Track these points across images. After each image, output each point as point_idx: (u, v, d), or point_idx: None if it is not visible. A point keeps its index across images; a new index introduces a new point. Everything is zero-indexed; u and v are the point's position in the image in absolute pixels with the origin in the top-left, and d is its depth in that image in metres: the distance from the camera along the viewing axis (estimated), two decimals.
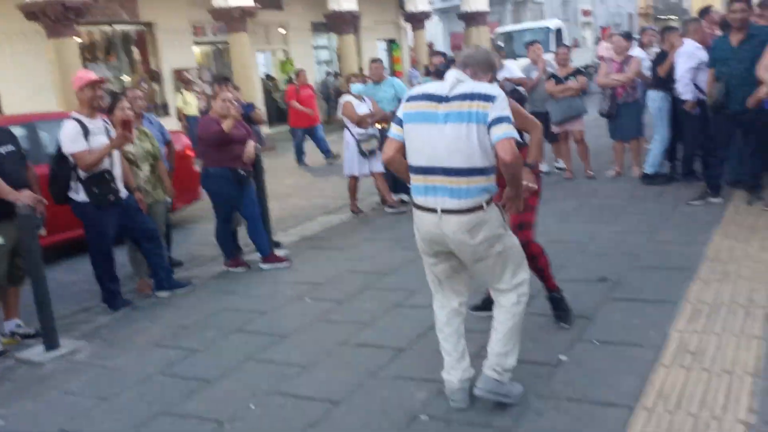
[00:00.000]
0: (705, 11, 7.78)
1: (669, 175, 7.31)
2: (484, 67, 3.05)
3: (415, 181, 2.99)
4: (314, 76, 19.87)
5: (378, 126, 7.34)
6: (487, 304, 3.70)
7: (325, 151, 12.19)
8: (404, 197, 7.28)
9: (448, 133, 2.83)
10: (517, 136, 2.87)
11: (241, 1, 14.38)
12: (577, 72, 7.90)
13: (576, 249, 5.20)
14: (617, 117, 7.59)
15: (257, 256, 5.89)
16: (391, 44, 24.49)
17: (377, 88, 7.67)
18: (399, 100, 7.52)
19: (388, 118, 7.40)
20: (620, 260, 4.86)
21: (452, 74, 2.96)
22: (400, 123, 3.04)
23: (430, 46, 23.92)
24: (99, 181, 4.84)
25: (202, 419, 3.31)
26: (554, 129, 7.89)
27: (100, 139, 4.87)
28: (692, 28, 6.82)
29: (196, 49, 17.15)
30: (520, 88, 7.36)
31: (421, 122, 2.92)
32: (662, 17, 45.12)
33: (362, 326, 4.23)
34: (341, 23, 17.59)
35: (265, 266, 5.82)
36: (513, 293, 3.03)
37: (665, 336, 3.56)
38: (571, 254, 5.03)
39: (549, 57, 8.85)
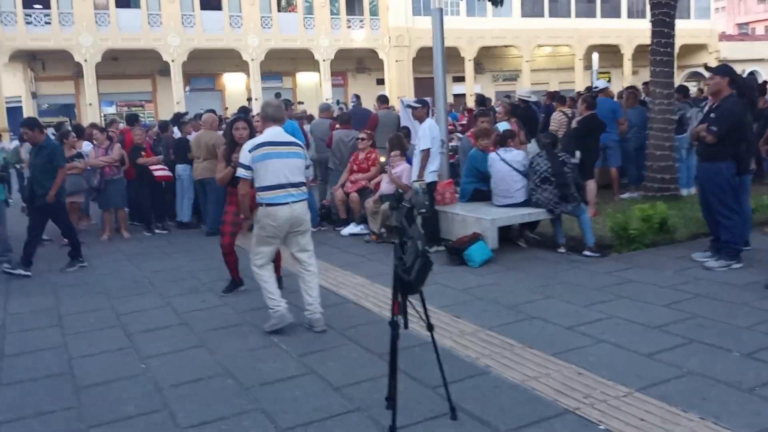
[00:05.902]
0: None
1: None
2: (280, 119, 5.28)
3: (273, 193, 4.89)
4: None
5: None
6: (231, 288, 6.21)
7: None
8: None
9: (291, 162, 4.99)
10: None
11: None
12: (78, 155, 9.25)
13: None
14: (105, 190, 9.40)
15: None
16: None
17: None
18: None
19: None
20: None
21: (276, 129, 5.04)
22: (246, 167, 4.94)
23: None
24: None
25: None
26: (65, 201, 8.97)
27: None
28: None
29: None
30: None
31: (272, 159, 4.91)
32: None
33: None
34: None
35: None
36: (313, 255, 5.23)
37: None
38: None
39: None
